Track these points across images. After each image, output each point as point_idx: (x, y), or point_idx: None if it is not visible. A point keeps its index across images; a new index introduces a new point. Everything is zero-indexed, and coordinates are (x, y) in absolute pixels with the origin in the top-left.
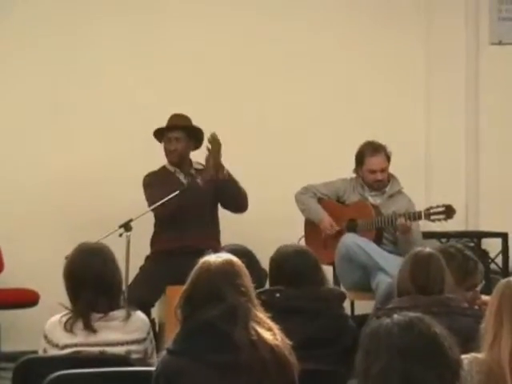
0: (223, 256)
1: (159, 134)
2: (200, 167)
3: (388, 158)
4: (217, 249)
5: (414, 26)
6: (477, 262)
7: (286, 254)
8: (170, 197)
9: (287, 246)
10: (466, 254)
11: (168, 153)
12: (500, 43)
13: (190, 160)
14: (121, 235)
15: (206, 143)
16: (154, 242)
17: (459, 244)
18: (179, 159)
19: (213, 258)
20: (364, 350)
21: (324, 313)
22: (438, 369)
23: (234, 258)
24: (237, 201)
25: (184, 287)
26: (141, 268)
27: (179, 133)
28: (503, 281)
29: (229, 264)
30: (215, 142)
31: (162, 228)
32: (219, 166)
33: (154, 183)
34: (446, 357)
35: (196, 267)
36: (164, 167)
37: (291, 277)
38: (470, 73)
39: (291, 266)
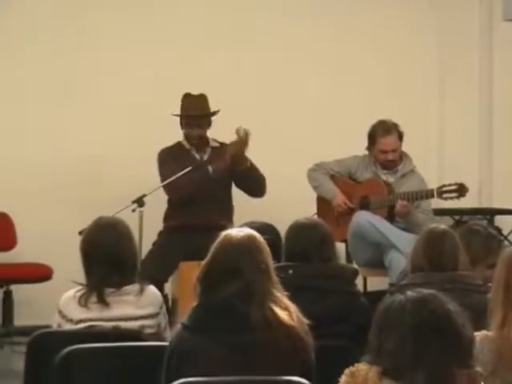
0: (245, 231)
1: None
2: (216, 145)
3: (400, 138)
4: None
5: (426, 3)
6: (500, 241)
7: (295, 230)
8: (182, 173)
9: (298, 221)
10: (490, 232)
11: (190, 138)
12: None
13: (207, 138)
14: (134, 210)
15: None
16: (167, 217)
17: (484, 222)
18: (201, 142)
19: (235, 232)
20: (377, 326)
21: (336, 290)
22: (450, 346)
23: (257, 234)
24: (256, 188)
25: (204, 260)
26: (154, 244)
27: (201, 119)
28: (508, 254)
29: (251, 239)
30: (246, 136)
31: (176, 204)
32: (243, 158)
33: (169, 160)
34: (459, 334)
35: (217, 240)
36: (179, 143)
37: (300, 253)
38: (484, 49)
39: (298, 243)
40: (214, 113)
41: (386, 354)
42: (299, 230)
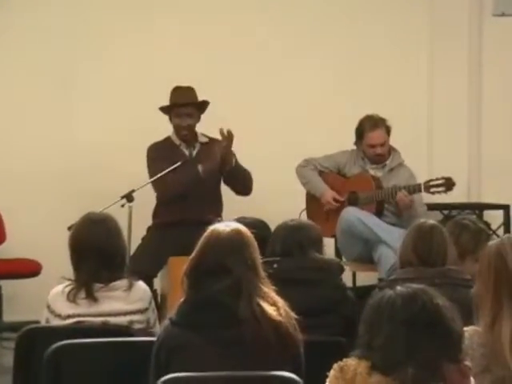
0: (232, 225)
1: (165, 108)
2: (205, 140)
3: (388, 132)
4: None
5: None
6: (489, 235)
7: (277, 231)
8: (170, 169)
9: (283, 222)
10: (479, 226)
11: (180, 128)
12: (503, 15)
13: (196, 132)
14: (123, 206)
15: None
16: (156, 213)
17: (473, 217)
18: (190, 134)
19: (222, 227)
20: (367, 321)
21: (322, 283)
22: (440, 340)
23: (244, 228)
24: (241, 186)
25: (191, 255)
26: (143, 239)
27: (191, 108)
28: (492, 250)
29: (238, 234)
30: (230, 137)
31: (165, 201)
32: (229, 157)
33: (158, 157)
34: (449, 328)
35: (204, 235)
36: (169, 138)
37: (281, 253)
38: (473, 44)
39: (279, 243)
40: (204, 102)
41: (376, 348)
42: (281, 231)
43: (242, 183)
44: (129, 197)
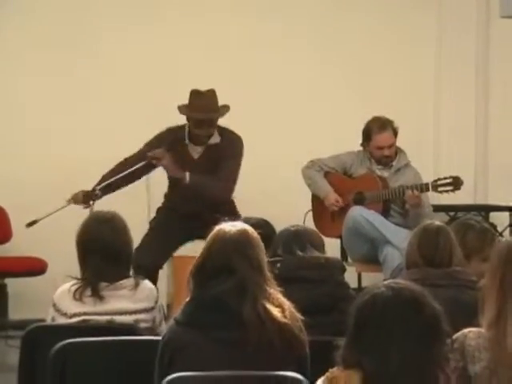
0: (238, 226)
1: (183, 106)
2: (216, 141)
3: (395, 133)
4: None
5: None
6: (494, 235)
7: (277, 235)
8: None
9: (287, 228)
10: (483, 226)
11: (199, 136)
12: (511, 16)
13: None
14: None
15: None
16: (167, 196)
17: (479, 218)
18: (208, 140)
19: (228, 227)
20: (357, 322)
21: (324, 281)
22: (435, 347)
23: (250, 229)
24: (208, 199)
25: (198, 255)
26: (150, 223)
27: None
28: (503, 247)
29: (243, 235)
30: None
31: (175, 188)
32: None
33: (163, 141)
34: (445, 334)
35: (210, 235)
36: (183, 129)
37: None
38: (481, 46)
39: (280, 246)
40: (226, 109)
41: (367, 357)
42: (283, 236)
43: (205, 197)
44: None
